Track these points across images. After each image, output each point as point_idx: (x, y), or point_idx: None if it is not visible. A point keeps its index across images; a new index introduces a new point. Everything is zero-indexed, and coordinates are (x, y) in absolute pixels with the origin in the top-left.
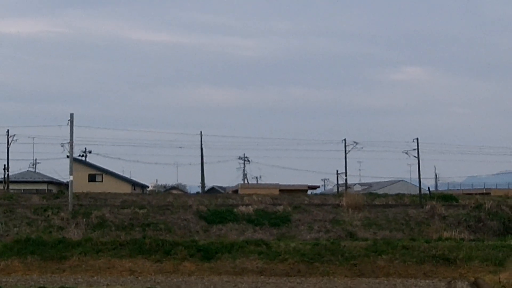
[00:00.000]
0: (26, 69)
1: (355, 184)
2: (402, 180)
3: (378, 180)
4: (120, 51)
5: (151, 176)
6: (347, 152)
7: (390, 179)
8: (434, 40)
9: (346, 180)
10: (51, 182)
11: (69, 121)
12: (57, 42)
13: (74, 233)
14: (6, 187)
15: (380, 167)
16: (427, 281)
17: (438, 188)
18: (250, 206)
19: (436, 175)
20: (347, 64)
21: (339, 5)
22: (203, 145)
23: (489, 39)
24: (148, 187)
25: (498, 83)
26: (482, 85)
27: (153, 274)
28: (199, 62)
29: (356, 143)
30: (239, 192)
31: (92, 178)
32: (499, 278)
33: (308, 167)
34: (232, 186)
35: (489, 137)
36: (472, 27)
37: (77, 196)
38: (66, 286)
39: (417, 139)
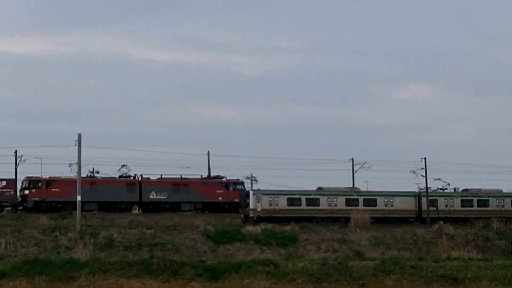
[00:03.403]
0: (33, 88)
1: None
2: None
3: None
4: (125, 70)
5: None
6: (354, 171)
7: None
8: (440, 57)
9: None
10: None
11: (76, 142)
12: (62, 61)
13: (82, 253)
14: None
15: (388, 186)
16: None
17: None
18: (257, 226)
19: None
20: (351, 82)
21: (343, 22)
22: (210, 165)
23: (495, 56)
24: None
25: (505, 100)
26: (489, 102)
27: None
28: (203, 80)
29: (364, 163)
30: None
31: None
32: None
33: (315, 187)
34: None
35: (496, 155)
36: (478, 44)
37: (84, 216)
38: None
39: (425, 158)
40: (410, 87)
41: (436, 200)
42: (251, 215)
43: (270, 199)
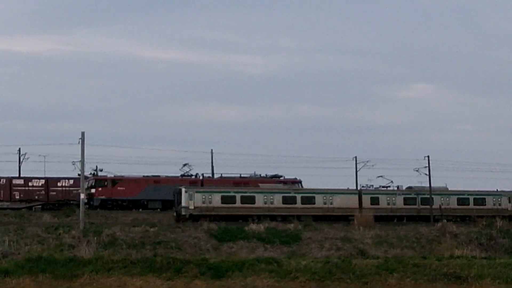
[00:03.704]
0: (36, 87)
1: None
2: None
3: None
4: (129, 69)
5: None
6: (357, 170)
7: None
8: (442, 57)
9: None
10: None
11: (80, 140)
12: (66, 60)
13: (85, 251)
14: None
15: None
16: None
17: None
18: (260, 224)
19: None
20: (354, 81)
21: (346, 21)
22: (213, 163)
23: (496, 56)
24: None
25: (506, 100)
26: (492, 102)
27: None
28: (207, 79)
29: (367, 161)
30: None
31: None
32: None
33: (318, 185)
34: None
35: (499, 154)
36: (479, 44)
37: (88, 214)
38: None
39: (428, 156)
40: (411, 86)
41: (378, 198)
42: (183, 213)
43: (203, 196)
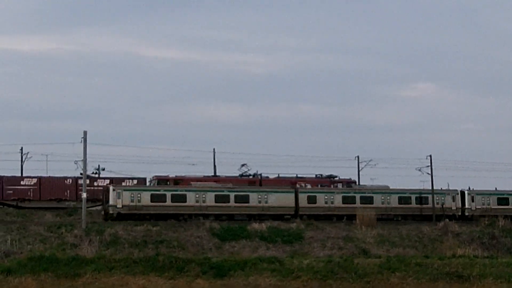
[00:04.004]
0: (38, 86)
1: None
2: None
3: None
4: (131, 68)
5: None
6: (360, 169)
7: None
8: (444, 56)
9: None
10: None
11: (82, 139)
12: (67, 59)
13: (87, 251)
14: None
15: (393, 184)
16: None
17: None
18: (263, 223)
19: None
20: (356, 81)
21: (348, 21)
22: (216, 162)
23: (498, 54)
24: None
25: (508, 100)
26: (494, 102)
27: None
28: (209, 78)
29: (370, 160)
30: None
31: None
32: None
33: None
34: None
35: (501, 153)
36: (481, 43)
37: (90, 213)
38: None
39: (430, 156)
40: (412, 86)
41: (315, 196)
42: (110, 211)
43: (132, 194)
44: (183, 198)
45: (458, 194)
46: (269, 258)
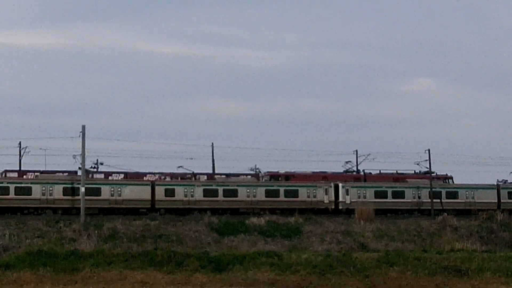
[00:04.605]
0: (37, 81)
1: None
2: None
3: None
4: (130, 63)
5: None
6: (358, 163)
7: None
8: (445, 51)
9: None
10: None
11: (80, 133)
12: (67, 54)
13: (86, 245)
14: None
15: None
16: None
17: None
18: (261, 218)
19: None
20: (356, 75)
21: (349, 16)
22: (214, 157)
23: (499, 50)
24: None
25: (509, 94)
26: (493, 96)
27: (164, 285)
28: (208, 73)
29: (368, 154)
30: None
31: None
32: None
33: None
34: None
35: (499, 147)
36: (482, 38)
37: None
38: None
39: (429, 150)
40: (413, 80)
41: (174, 189)
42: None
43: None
44: (28, 191)
45: (331, 187)
46: (268, 252)
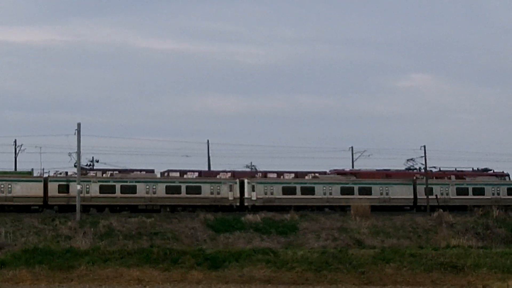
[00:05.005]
0: (33, 78)
1: None
2: None
3: None
4: (126, 59)
5: None
6: (354, 159)
7: None
8: (441, 47)
9: None
10: None
11: (76, 131)
12: (63, 50)
13: (82, 243)
14: None
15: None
16: None
17: None
18: (257, 215)
19: None
20: (353, 71)
21: (345, 12)
22: (210, 154)
23: (496, 46)
24: None
25: (505, 90)
26: (489, 92)
27: (160, 283)
28: (205, 70)
29: (364, 151)
30: None
31: None
32: (508, 286)
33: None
34: None
35: (496, 144)
36: (480, 34)
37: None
38: None
39: (424, 146)
40: (409, 76)
41: (68, 185)
42: None
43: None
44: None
45: (236, 183)
46: (264, 249)
